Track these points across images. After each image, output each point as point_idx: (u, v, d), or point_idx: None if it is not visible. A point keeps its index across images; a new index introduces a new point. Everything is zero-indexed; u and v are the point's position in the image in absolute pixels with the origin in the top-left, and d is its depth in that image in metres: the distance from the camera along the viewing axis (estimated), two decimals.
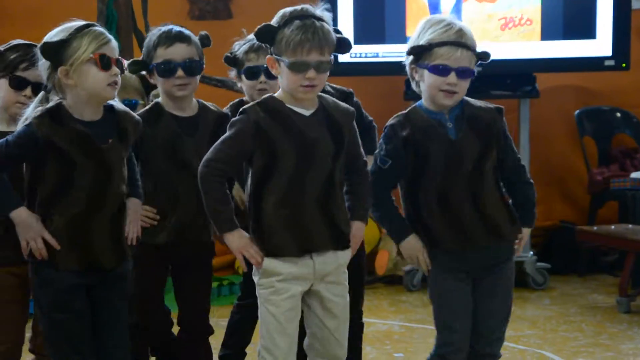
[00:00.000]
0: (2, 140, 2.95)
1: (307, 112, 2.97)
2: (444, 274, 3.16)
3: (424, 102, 3.17)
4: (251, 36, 3.82)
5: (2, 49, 3.30)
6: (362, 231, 3.08)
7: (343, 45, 3.00)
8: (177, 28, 3.50)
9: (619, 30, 5.84)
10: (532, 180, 3.27)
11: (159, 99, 3.48)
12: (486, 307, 3.18)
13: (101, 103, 3.01)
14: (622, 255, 5.67)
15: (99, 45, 2.92)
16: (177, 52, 3.38)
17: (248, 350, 3.90)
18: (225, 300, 5.62)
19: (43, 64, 2.96)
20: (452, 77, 3.07)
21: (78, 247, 2.97)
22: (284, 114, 2.94)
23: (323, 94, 3.07)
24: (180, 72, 3.37)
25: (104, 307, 3.06)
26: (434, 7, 5.89)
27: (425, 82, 3.11)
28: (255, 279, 3.02)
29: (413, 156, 3.12)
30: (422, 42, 3.10)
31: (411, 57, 3.14)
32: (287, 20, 2.91)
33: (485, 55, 3.14)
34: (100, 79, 2.92)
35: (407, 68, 3.17)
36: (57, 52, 2.92)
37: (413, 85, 3.19)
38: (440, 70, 3.07)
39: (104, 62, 2.92)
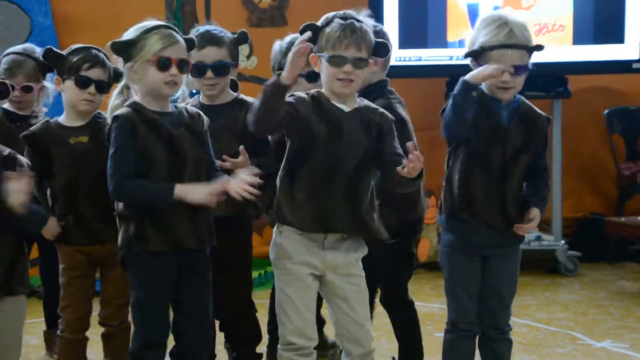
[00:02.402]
0: (111, 153, 2.95)
1: (347, 109, 2.96)
2: (456, 247, 3.19)
3: (486, 91, 3.17)
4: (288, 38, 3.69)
5: (65, 54, 3.39)
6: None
7: (381, 48, 2.99)
8: (212, 30, 3.50)
9: None
10: (549, 185, 3.26)
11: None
12: (494, 284, 3.19)
13: (162, 98, 3.02)
14: None
15: (162, 48, 2.95)
16: (208, 54, 3.40)
17: None
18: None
19: (118, 58, 3.03)
20: (505, 75, 3.05)
21: (162, 228, 2.96)
22: (327, 105, 2.95)
23: (365, 99, 3.06)
24: (209, 74, 3.40)
25: (186, 290, 3.05)
26: (473, 15, 5.83)
27: None
28: (271, 257, 3.03)
29: (474, 121, 3.10)
30: (476, 45, 3.11)
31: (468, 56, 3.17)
32: (329, 21, 2.94)
33: (538, 48, 3.12)
34: (157, 78, 2.95)
35: (470, 63, 3.18)
36: (124, 50, 2.97)
37: None
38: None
39: (161, 64, 2.94)
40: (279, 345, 3.01)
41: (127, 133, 2.93)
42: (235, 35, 3.53)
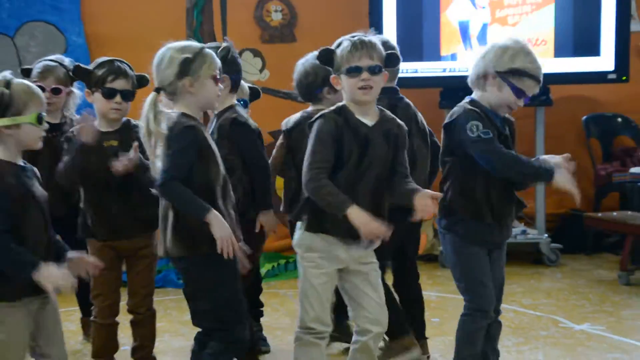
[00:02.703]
0: (170, 152, 2.90)
1: (370, 123, 3.05)
2: (470, 243, 3.23)
3: (488, 101, 3.20)
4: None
5: (91, 68, 3.46)
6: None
7: (391, 59, 3.08)
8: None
9: (620, 48, 5.93)
10: None
11: None
12: (496, 273, 3.28)
13: (206, 110, 3.14)
14: (622, 237, 5.73)
15: (216, 65, 3.02)
16: None
17: None
18: (291, 274, 5.85)
19: (170, 72, 2.94)
20: (522, 101, 3.17)
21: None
22: (354, 121, 3.03)
23: (384, 109, 3.13)
24: None
25: None
26: (464, 31, 5.97)
27: (500, 92, 3.16)
28: (299, 251, 3.11)
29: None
30: (516, 64, 3.13)
31: (495, 67, 3.16)
32: (340, 43, 3.07)
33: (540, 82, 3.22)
34: (215, 92, 3.02)
35: (483, 68, 3.19)
36: (187, 66, 2.94)
37: (476, 83, 3.21)
38: (520, 94, 3.15)
39: (218, 79, 3.03)
40: (297, 329, 3.12)
41: (194, 142, 2.91)
42: (219, 49, 3.51)
